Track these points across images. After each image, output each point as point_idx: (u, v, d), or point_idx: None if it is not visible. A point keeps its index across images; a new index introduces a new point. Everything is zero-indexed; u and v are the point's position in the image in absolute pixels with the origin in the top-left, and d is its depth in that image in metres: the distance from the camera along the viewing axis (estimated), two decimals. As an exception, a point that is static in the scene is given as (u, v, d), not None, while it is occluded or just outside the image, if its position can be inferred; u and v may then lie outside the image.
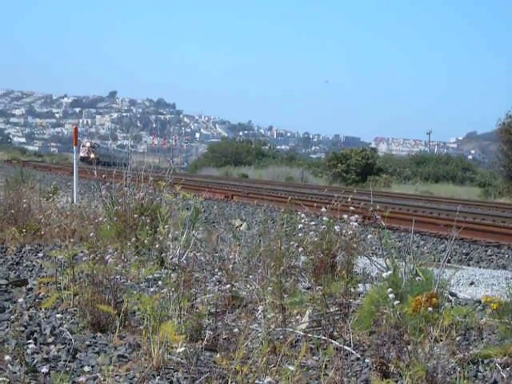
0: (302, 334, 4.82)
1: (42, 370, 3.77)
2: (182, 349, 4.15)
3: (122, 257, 6.27)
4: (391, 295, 4.51)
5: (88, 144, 74.86)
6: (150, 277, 6.33)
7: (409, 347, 4.07)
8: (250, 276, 5.99)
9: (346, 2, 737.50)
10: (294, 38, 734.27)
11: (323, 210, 5.89)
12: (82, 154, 73.82)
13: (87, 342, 4.63)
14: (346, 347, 4.46)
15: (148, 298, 4.76)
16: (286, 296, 5.17)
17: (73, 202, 11.82)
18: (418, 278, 5.20)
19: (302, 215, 6.15)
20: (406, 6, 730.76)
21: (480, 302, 6.19)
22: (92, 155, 65.32)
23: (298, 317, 5.01)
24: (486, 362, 4.46)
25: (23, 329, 4.78)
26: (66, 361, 4.20)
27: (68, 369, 4.05)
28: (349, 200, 6.06)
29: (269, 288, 5.24)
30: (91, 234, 6.77)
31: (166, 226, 6.93)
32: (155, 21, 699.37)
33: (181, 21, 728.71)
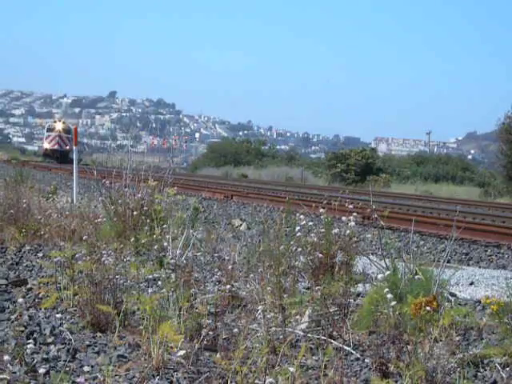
0: (301, 334, 4.82)
1: (42, 370, 3.77)
2: (182, 352, 4.12)
3: (122, 257, 6.28)
4: (389, 295, 4.52)
5: (60, 126, 47.71)
6: (150, 277, 6.33)
7: (408, 347, 4.06)
8: (250, 276, 5.99)
9: (346, 4, 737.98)
10: (294, 38, 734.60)
11: (321, 210, 5.89)
12: (47, 146, 49.19)
13: (87, 342, 4.63)
14: (345, 347, 4.46)
15: (147, 298, 4.76)
16: (285, 296, 5.17)
17: (72, 201, 11.82)
18: (417, 277, 5.20)
19: (301, 216, 6.15)
20: (405, 6, 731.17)
21: (480, 302, 6.18)
22: (67, 146, 44.67)
23: (297, 317, 5.01)
24: (485, 362, 4.46)
25: (23, 329, 4.77)
26: (65, 361, 4.20)
27: (68, 369, 4.04)
28: (347, 202, 6.07)
29: (268, 288, 5.24)
30: (84, 237, 6.74)
31: (165, 226, 6.93)
32: (155, 21, 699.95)
33: (181, 21, 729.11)
